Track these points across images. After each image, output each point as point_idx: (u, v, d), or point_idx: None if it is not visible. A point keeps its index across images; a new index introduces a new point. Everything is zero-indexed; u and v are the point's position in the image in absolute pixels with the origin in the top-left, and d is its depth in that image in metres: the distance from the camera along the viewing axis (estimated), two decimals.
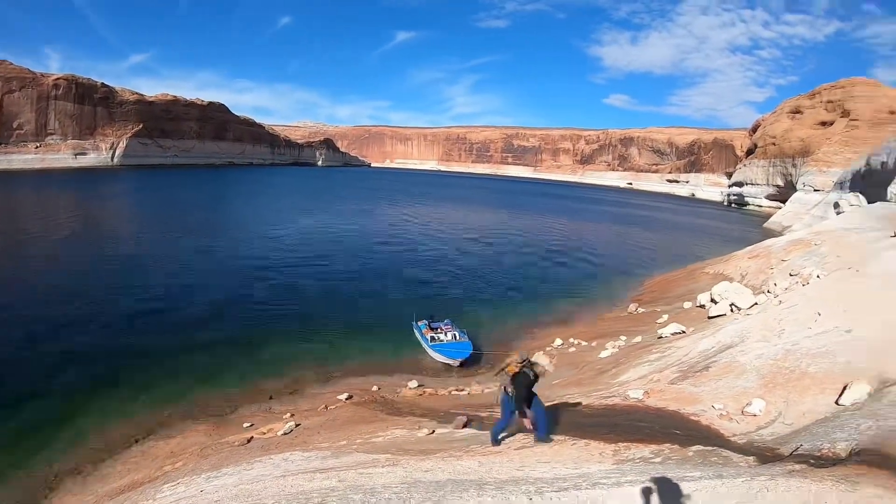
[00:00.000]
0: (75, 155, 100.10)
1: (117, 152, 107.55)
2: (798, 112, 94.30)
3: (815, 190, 64.74)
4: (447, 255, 33.91)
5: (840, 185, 49.51)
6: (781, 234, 31.07)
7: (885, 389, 7.76)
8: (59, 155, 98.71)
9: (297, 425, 10.94)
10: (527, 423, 7.14)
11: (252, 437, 10.56)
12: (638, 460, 6.01)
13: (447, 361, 16.94)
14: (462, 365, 16.92)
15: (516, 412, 7.20)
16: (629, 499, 4.70)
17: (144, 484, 8.62)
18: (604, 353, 14.71)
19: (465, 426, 8.87)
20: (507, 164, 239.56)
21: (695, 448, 6.31)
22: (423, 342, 17.99)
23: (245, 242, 34.66)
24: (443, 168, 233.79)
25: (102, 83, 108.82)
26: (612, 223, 60.90)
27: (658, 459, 5.86)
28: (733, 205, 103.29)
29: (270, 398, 13.85)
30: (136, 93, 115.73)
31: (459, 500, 4.81)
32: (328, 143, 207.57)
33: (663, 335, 14.38)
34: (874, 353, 8.96)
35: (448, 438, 8.17)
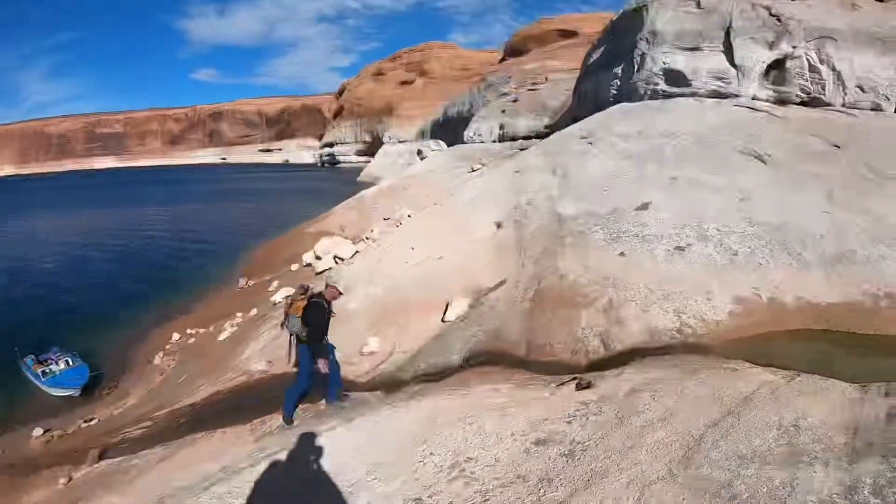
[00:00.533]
0: None
1: None
2: (381, 74, 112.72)
3: (400, 141, 75.69)
4: (33, 271, 30.01)
5: (422, 135, 60.74)
6: (374, 185, 32.79)
7: (482, 298, 9.53)
8: None
9: None
10: (322, 365, 6.44)
11: None
12: (276, 430, 6.27)
13: (67, 393, 15.17)
14: (84, 391, 15.12)
15: (317, 361, 6.41)
16: (271, 469, 4.75)
17: None
18: (223, 336, 13.90)
19: (100, 458, 7.95)
20: (94, 155, 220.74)
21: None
22: (34, 380, 15.87)
23: None
24: (23, 172, 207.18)
25: None
26: (212, 200, 57.32)
27: (295, 422, 6.24)
28: (326, 165, 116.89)
29: None
30: None
31: None
32: None
33: (277, 301, 13.74)
34: (465, 270, 10.81)
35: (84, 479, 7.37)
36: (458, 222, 13.66)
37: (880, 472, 3.37)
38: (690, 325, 7.65)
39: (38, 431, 13.69)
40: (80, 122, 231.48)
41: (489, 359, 7.07)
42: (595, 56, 21.48)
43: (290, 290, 15.97)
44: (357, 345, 9.31)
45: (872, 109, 14.57)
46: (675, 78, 16.03)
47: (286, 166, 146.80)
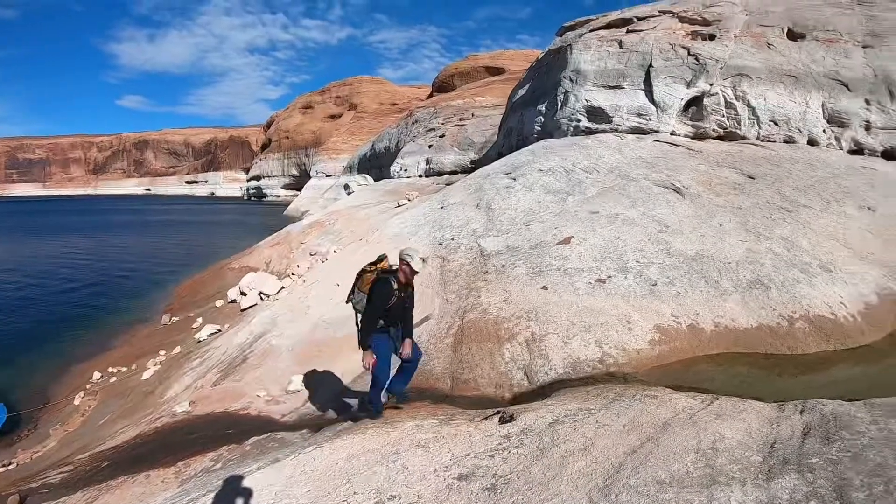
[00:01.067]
0: None
1: None
2: (310, 107, 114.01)
3: (327, 175, 76.74)
4: None
5: (349, 169, 60.72)
6: (300, 219, 32.23)
7: None
8: None
9: None
10: (407, 347, 6.24)
11: None
12: (200, 473, 6.34)
13: None
14: (1, 434, 13.97)
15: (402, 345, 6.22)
16: None
17: None
18: (146, 374, 13.11)
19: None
20: (13, 182, 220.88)
21: (251, 441, 6.87)
22: None
23: None
24: None
25: None
26: (135, 233, 54.91)
27: (219, 465, 6.36)
28: (253, 198, 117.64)
29: None
30: None
31: None
32: None
33: (201, 339, 13.69)
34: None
35: None
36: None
37: (796, 486, 3.52)
38: (612, 354, 7.69)
39: None
40: (2, 145, 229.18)
41: (415, 395, 7.04)
42: (520, 93, 22.11)
43: (215, 327, 15.57)
44: (281, 383, 9.27)
45: (786, 142, 15.45)
46: (597, 115, 16.64)
47: (212, 199, 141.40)
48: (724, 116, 15.88)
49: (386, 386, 6.20)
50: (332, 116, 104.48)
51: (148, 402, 11.97)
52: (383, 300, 5.76)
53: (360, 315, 6.17)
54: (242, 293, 18.38)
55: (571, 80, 17.45)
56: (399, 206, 24.16)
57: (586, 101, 16.82)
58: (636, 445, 4.37)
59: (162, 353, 16.31)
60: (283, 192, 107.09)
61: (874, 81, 15.60)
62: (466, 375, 7.74)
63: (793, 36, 16.82)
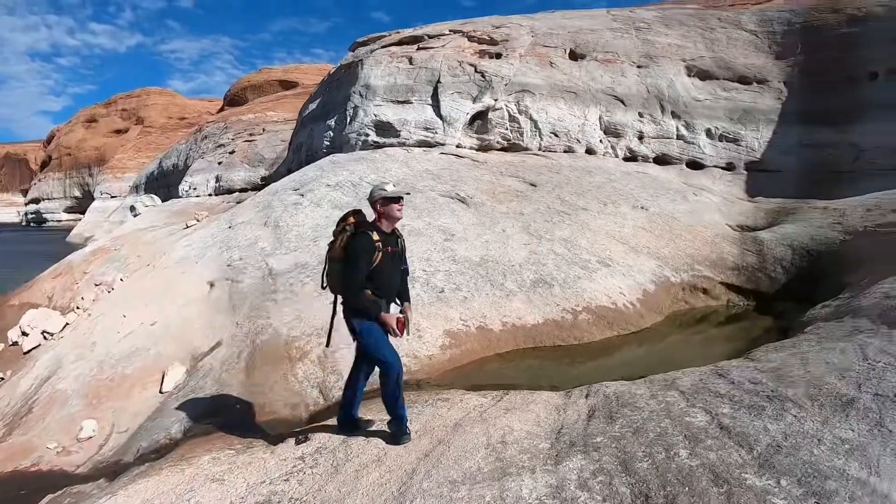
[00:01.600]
0: None
1: None
2: (94, 121, 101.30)
3: (112, 196, 69.53)
4: None
5: (136, 189, 55.34)
6: (84, 246, 27.78)
7: (199, 364, 9.04)
8: None
9: None
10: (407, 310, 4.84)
11: None
12: None
13: None
14: None
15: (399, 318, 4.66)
16: None
17: None
18: None
19: None
20: None
21: (45, 501, 6.20)
22: None
23: None
24: None
25: None
26: None
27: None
28: (32, 223, 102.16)
29: None
30: None
31: None
32: None
33: None
34: (180, 335, 10.16)
35: None
36: (170, 284, 12.75)
37: (583, 466, 3.76)
38: (404, 363, 7.52)
39: None
40: None
41: (211, 426, 6.57)
42: (311, 108, 21.80)
43: None
44: (71, 431, 8.27)
45: (566, 151, 16.69)
46: (386, 129, 16.71)
47: None
48: (507, 129, 16.70)
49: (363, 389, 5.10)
50: (118, 131, 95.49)
51: None
52: (367, 256, 4.40)
53: (336, 300, 4.83)
54: (24, 333, 16.16)
55: (361, 95, 17.45)
56: (188, 227, 22.77)
57: (375, 115, 16.86)
58: (429, 449, 4.43)
59: None
60: (65, 215, 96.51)
61: (647, 97, 17.49)
62: (262, 400, 7.41)
63: (574, 56, 18.25)
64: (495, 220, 12.01)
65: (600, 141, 17.18)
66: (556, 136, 16.84)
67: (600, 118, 17.25)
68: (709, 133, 17.14)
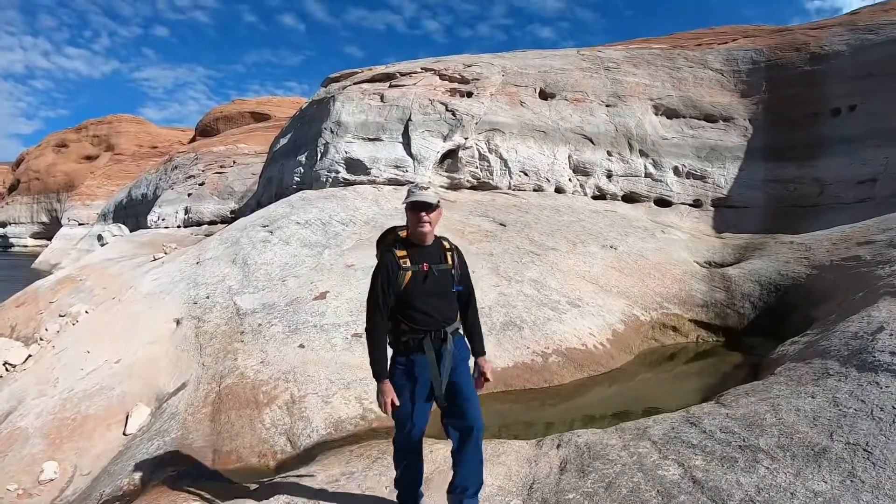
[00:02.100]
0: None
1: None
2: (64, 146, 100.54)
3: (80, 224, 68.80)
4: None
5: (104, 217, 54.60)
6: (51, 273, 26.85)
7: (164, 405, 8.81)
8: None
9: None
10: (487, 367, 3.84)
11: None
12: None
13: None
14: None
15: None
16: None
17: None
18: None
19: None
20: None
21: None
22: None
23: None
24: None
25: None
26: None
27: None
28: None
29: None
30: None
31: None
32: None
33: None
34: (145, 374, 9.87)
35: None
36: (137, 319, 12.38)
37: None
38: (373, 409, 7.41)
39: None
40: None
41: (176, 472, 6.33)
42: (282, 142, 21.71)
43: None
44: (32, 472, 7.91)
45: (535, 190, 16.79)
46: (356, 166, 16.69)
47: None
48: (477, 168, 16.81)
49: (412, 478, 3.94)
50: (88, 157, 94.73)
51: None
52: (382, 278, 3.61)
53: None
54: None
55: (332, 132, 17.42)
56: (155, 259, 22.51)
57: (346, 152, 16.83)
58: None
59: None
60: (31, 241, 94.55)
61: (615, 136, 17.74)
62: (228, 446, 7.19)
63: (544, 95, 18.49)
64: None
65: (569, 179, 17.35)
66: (525, 174, 17.00)
67: (569, 157, 17.43)
68: (676, 171, 17.42)
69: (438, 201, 3.67)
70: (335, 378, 8.19)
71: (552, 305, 10.15)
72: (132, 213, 47.67)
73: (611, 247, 12.99)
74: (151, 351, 10.76)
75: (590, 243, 13.07)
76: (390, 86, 18.26)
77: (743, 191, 16.78)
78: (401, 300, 3.59)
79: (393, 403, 3.55)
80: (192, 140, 67.01)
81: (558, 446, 4.97)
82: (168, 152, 65.59)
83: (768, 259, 12.11)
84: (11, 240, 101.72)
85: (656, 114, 18.37)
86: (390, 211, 14.62)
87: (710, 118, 18.01)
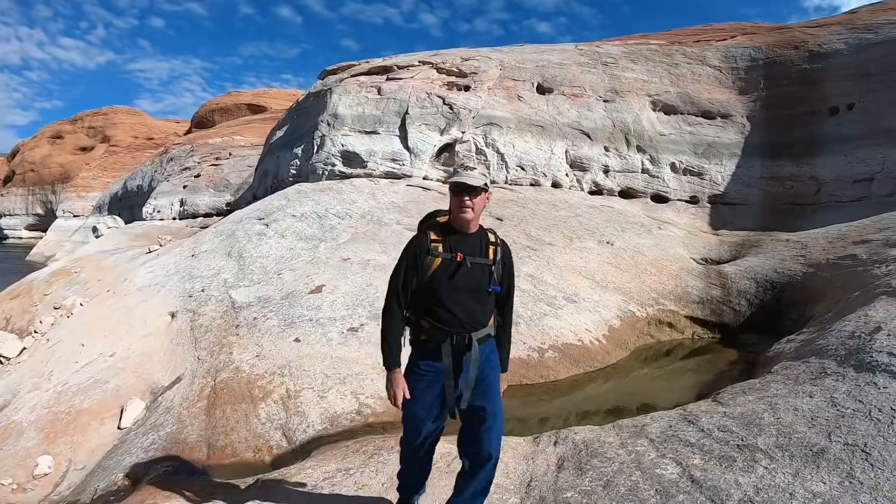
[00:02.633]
0: None
1: None
2: (59, 137, 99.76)
3: (75, 216, 68.18)
4: None
5: (99, 209, 53.88)
6: (45, 265, 26.76)
7: (159, 399, 8.75)
8: None
9: None
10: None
11: None
12: None
13: None
14: None
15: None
16: None
17: None
18: None
19: None
20: None
21: None
22: None
23: None
24: None
25: None
26: None
27: None
28: None
29: None
30: None
31: None
32: None
33: None
34: (140, 368, 9.80)
35: None
36: (131, 312, 12.30)
37: None
38: (369, 405, 7.39)
39: None
40: None
41: (171, 468, 6.32)
42: (279, 134, 21.66)
43: None
44: (26, 467, 7.88)
45: (532, 185, 16.76)
46: (353, 159, 16.67)
47: None
48: (474, 162, 16.54)
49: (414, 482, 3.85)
50: (84, 149, 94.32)
51: None
52: (407, 260, 3.26)
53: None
54: None
55: (329, 125, 17.38)
56: (150, 251, 22.47)
57: (342, 145, 16.81)
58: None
59: None
60: (26, 233, 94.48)
61: (613, 131, 17.72)
62: (223, 441, 7.15)
63: (542, 90, 18.48)
64: None
65: (566, 174, 17.36)
66: (522, 169, 16.99)
67: (566, 152, 17.43)
68: (673, 167, 17.41)
69: (486, 184, 3.24)
70: (331, 373, 8.15)
71: (548, 301, 10.14)
72: (127, 204, 47.62)
73: (607, 242, 12.99)
74: (146, 344, 10.71)
75: (586, 239, 13.08)
76: (387, 79, 18.22)
77: (740, 188, 16.79)
78: (425, 291, 3.25)
79: (404, 395, 3.24)
80: (188, 132, 66.60)
81: (555, 443, 4.96)
82: (164, 144, 65.25)
83: (764, 256, 12.11)
84: (6, 231, 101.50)
85: (654, 110, 18.36)
86: (386, 204, 14.58)
87: (707, 115, 18.00)
